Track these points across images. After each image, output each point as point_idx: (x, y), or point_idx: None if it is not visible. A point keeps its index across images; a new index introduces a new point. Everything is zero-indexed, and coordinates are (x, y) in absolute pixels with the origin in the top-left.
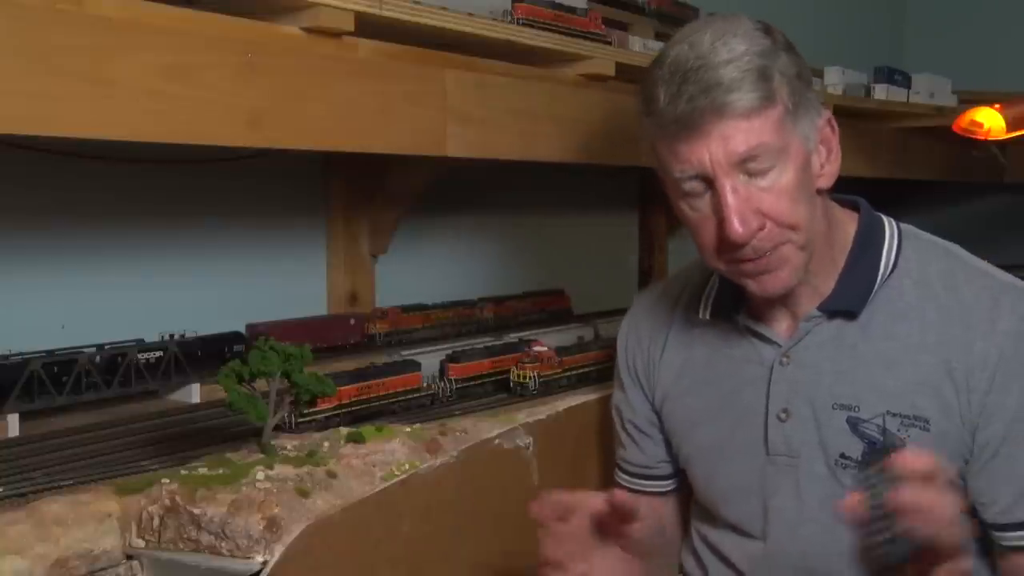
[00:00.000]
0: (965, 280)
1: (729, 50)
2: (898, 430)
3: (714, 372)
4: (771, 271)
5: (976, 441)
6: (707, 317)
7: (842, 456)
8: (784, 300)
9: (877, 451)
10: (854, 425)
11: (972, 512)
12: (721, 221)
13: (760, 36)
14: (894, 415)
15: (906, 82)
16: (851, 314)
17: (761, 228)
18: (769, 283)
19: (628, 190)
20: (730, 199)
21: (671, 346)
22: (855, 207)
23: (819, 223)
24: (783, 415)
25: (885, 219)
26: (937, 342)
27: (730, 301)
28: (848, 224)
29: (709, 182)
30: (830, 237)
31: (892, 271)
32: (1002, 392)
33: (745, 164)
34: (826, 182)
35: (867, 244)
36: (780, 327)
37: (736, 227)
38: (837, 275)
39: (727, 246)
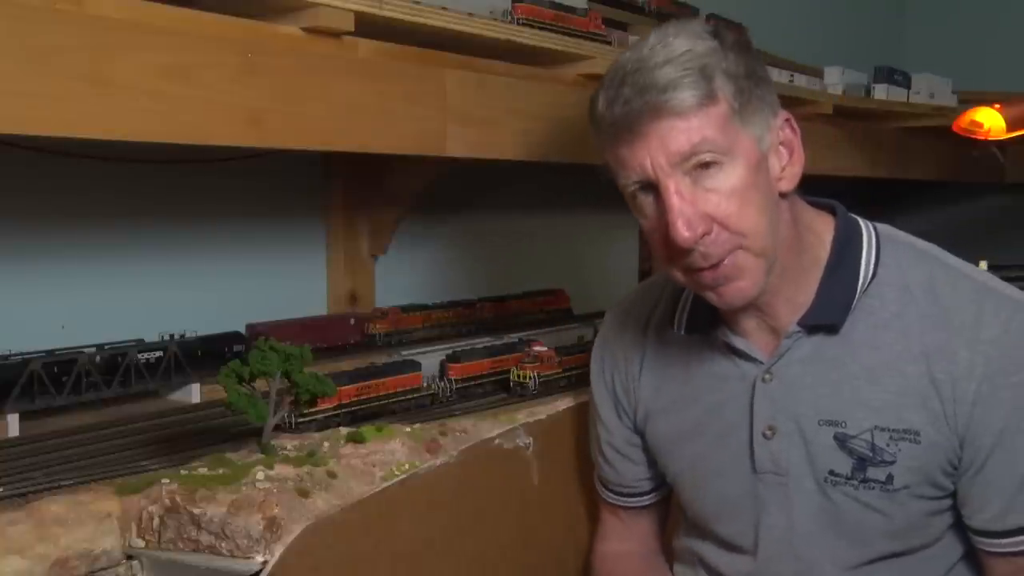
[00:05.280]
0: (945, 284)
1: (668, 51)
2: (887, 445)
3: (694, 389)
4: (730, 281)
5: (965, 451)
6: (682, 333)
7: (831, 473)
8: (760, 312)
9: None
10: (842, 442)
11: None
12: (666, 226)
13: (706, 38)
14: (882, 430)
15: (906, 82)
16: (832, 327)
17: (708, 232)
18: (728, 294)
19: None
20: (673, 201)
21: (648, 364)
22: (831, 211)
23: (784, 228)
24: (768, 432)
25: (862, 222)
26: (921, 352)
27: (706, 315)
28: (823, 230)
29: (654, 187)
30: (801, 243)
31: (872, 279)
32: (989, 403)
33: (687, 164)
34: (788, 184)
35: (845, 252)
36: (760, 342)
37: (681, 231)
38: (814, 285)
39: (676, 252)
